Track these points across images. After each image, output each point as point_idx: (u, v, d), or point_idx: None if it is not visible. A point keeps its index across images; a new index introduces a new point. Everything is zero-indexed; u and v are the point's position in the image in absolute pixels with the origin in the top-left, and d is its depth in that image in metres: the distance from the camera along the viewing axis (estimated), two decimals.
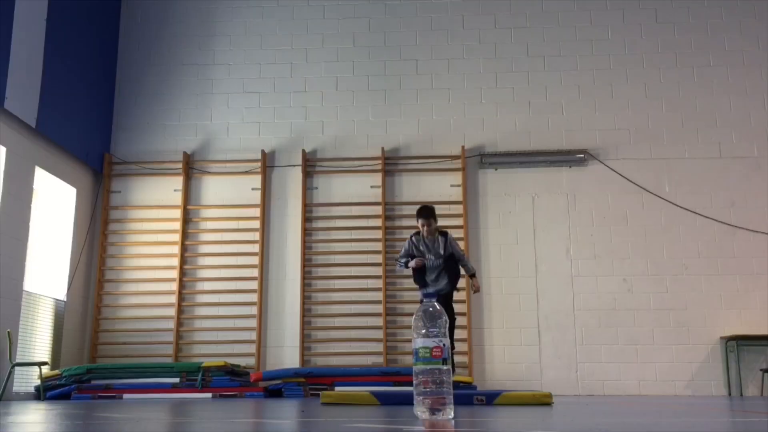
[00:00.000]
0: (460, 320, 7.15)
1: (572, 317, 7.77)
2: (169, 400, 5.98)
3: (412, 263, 5.44)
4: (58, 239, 7.70)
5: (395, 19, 8.65)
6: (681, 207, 7.94)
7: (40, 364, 6.73)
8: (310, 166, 8.32)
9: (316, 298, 8.01)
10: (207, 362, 7.02)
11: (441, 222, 5.78)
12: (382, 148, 8.23)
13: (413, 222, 5.80)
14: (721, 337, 7.59)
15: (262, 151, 8.32)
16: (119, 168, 8.44)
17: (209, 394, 6.78)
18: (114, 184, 8.39)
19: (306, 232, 8.10)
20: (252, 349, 7.82)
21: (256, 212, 8.19)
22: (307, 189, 8.25)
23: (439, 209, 5.67)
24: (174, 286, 8.00)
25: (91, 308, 8.01)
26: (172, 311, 7.94)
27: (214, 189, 8.36)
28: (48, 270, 7.51)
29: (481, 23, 8.55)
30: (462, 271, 5.63)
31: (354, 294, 7.92)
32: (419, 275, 5.53)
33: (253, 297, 7.97)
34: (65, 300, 7.63)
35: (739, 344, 7.49)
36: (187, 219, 8.24)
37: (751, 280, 7.71)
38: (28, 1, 6.91)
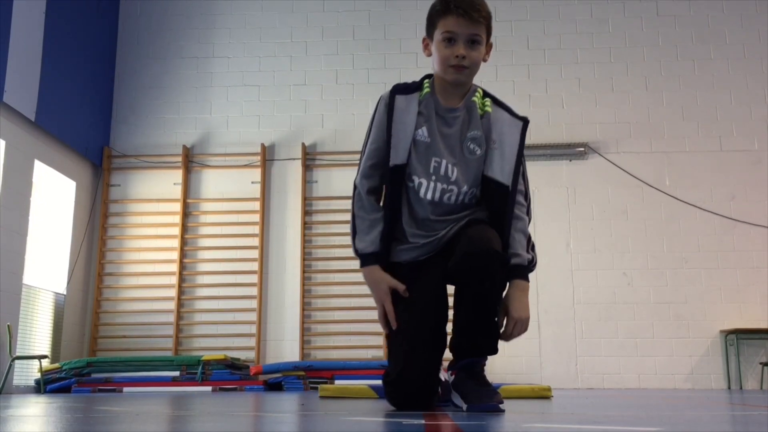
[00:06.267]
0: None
1: (572, 311, 7.77)
2: (169, 393, 5.99)
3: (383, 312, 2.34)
4: (57, 233, 7.70)
5: (395, 12, 8.62)
6: (681, 201, 7.93)
7: (40, 357, 6.75)
8: (310, 159, 8.31)
9: (316, 291, 8.01)
10: (207, 356, 7.04)
11: None
12: None
13: None
14: (721, 331, 7.60)
15: (262, 145, 8.30)
16: (119, 161, 8.43)
17: (209, 388, 6.79)
18: (113, 177, 8.38)
19: (306, 226, 8.10)
20: (252, 342, 7.83)
21: (256, 206, 8.18)
22: (307, 182, 8.24)
23: None
24: (174, 280, 8.00)
25: (91, 302, 8.02)
26: (171, 305, 7.94)
27: (214, 182, 8.35)
28: (48, 263, 7.51)
29: None
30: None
31: (354, 287, 7.91)
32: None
33: (253, 290, 7.97)
34: (65, 293, 7.63)
35: (738, 338, 7.50)
36: (186, 212, 8.24)
37: (751, 274, 7.71)
38: None
